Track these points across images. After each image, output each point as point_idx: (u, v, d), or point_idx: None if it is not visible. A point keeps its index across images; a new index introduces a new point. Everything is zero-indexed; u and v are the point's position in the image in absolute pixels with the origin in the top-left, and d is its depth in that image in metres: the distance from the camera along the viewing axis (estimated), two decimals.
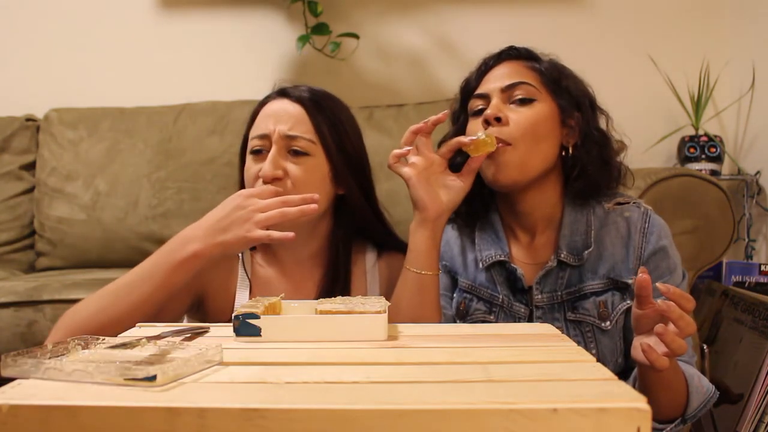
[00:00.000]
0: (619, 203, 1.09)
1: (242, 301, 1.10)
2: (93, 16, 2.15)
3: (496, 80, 1.07)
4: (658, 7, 2.10)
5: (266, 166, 1.04)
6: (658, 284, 0.83)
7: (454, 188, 1.02)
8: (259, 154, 1.08)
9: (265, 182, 1.04)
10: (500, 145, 1.01)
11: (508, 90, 1.05)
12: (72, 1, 2.15)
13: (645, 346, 0.84)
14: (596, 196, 1.09)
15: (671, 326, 0.82)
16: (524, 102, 1.04)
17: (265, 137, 1.07)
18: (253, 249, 1.16)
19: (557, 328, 1.03)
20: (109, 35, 2.15)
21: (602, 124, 1.11)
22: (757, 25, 1.98)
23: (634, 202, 1.09)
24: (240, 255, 1.14)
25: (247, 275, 1.12)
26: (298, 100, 1.10)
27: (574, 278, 1.06)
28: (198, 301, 1.11)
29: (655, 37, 2.09)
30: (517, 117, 1.03)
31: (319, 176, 1.08)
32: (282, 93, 1.12)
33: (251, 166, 1.08)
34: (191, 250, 0.93)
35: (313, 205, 0.96)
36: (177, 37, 2.14)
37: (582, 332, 1.05)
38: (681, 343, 0.82)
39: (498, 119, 1.02)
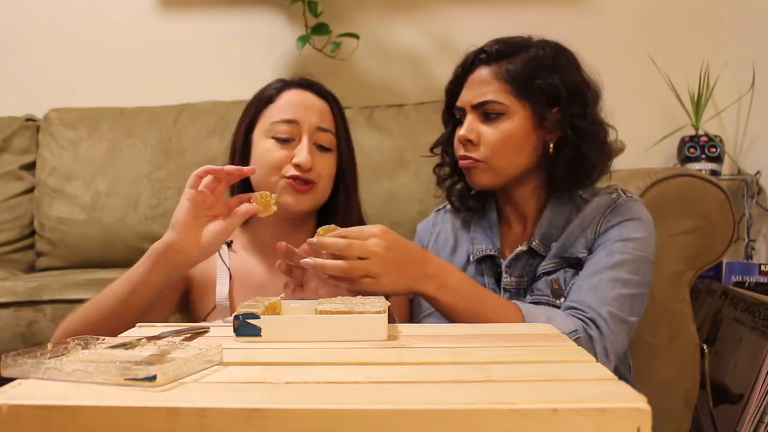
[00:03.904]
0: (596, 195, 1.09)
1: (222, 289, 1.11)
2: (93, 17, 2.15)
3: (469, 92, 1.09)
4: (658, 7, 2.10)
5: (305, 156, 1.07)
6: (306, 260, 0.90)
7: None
8: (286, 142, 1.10)
9: (304, 170, 1.08)
10: (470, 161, 1.06)
11: (478, 107, 1.06)
12: (72, 1, 2.15)
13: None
14: (577, 187, 1.09)
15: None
16: (493, 118, 1.05)
17: (294, 125, 1.10)
18: (229, 244, 1.17)
19: None
20: (109, 35, 2.14)
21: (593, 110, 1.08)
22: (756, 25, 1.98)
23: (609, 192, 1.08)
24: None
25: (225, 263, 1.14)
26: (323, 95, 1.14)
27: (537, 264, 1.08)
28: (185, 294, 1.14)
29: (655, 37, 2.09)
30: (487, 135, 1.05)
31: (333, 173, 1.14)
32: (305, 85, 1.15)
33: (274, 149, 1.10)
34: (162, 240, 0.94)
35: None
36: (177, 37, 2.14)
37: None
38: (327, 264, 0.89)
39: (469, 141, 1.06)
